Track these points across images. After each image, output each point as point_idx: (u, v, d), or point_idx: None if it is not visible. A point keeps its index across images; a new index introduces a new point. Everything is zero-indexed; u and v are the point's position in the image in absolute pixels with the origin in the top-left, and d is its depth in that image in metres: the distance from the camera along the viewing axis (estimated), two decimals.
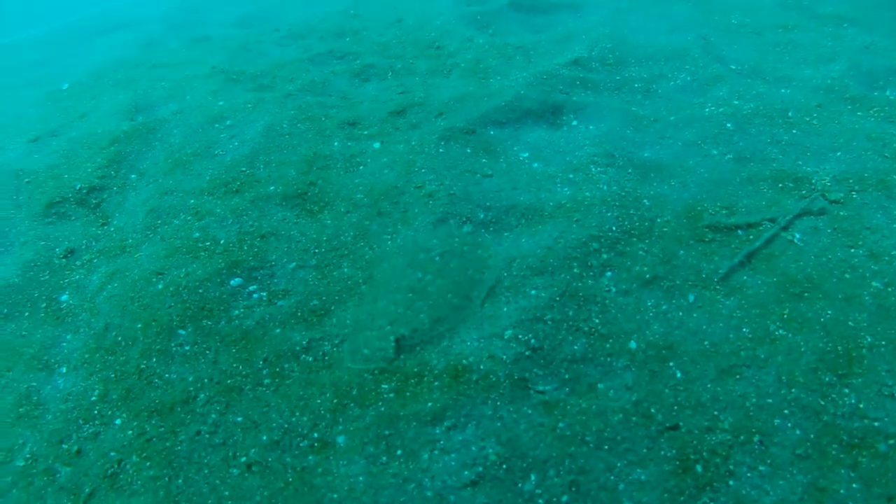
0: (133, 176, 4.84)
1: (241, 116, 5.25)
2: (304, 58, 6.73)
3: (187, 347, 3.25)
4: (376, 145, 4.87)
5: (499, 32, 7.12)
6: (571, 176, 4.32)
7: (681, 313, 3.22)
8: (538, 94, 5.32)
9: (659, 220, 3.86)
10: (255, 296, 3.54)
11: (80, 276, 3.99)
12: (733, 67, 5.97)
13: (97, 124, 5.57)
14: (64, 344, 3.55)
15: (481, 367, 2.84)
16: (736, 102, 5.20)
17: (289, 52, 7.03)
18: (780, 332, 3.09)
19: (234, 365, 3.13)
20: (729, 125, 4.88)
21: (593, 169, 4.35)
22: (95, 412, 3.09)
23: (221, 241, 3.90)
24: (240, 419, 2.87)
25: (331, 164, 4.64)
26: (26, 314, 3.80)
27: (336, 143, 4.89)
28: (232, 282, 3.59)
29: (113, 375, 3.24)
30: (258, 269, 3.69)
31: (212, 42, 7.65)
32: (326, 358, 3.12)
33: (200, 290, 3.53)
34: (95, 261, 4.09)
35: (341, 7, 8.67)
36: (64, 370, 3.39)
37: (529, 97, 5.26)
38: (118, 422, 3.01)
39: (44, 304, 3.83)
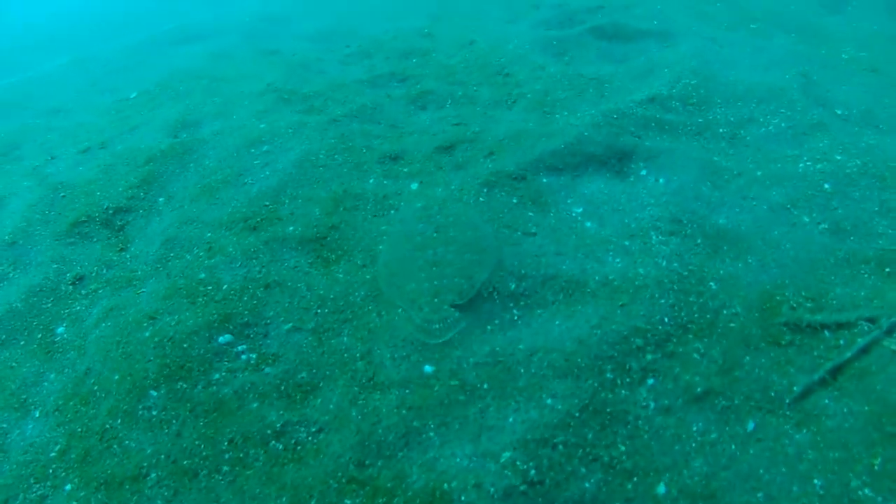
0: (161, 199, 4.64)
1: (280, 142, 4.96)
2: (363, 79, 6.41)
3: (155, 412, 2.91)
4: (414, 186, 4.43)
5: (574, 61, 6.51)
6: (627, 243, 3.69)
7: (734, 447, 2.54)
8: (605, 137, 4.69)
9: (725, 313, 3.17)
10: (242, 357, 3.17)
11: (81, 308, 3.78)
12: (839, 112, 5.06)
13: (142, 139, 5.47)
14: (46, 383, 3.33)
15: (462, 498, 2.30)
16: (838, 157, 4.32)
17: (349, 72, 6.74)
18: (866, 492, 2.35)
19: (197, 442, 2.76)
20: (827, 186, 4.05)
21: (654, 237, 3.71)
22: (50, 472, 2.81)
23: (224, 287, 3.57)
24: None
25: (360, 204, 4.24)
26: (21, 343, 3.62)
27: (371, 181, 4.49)
28: (220, 338, 3.24)
29: (79, 430, 2.96)
30: (252, 326, 3.32)
31: (278, 56, 7.50)
32: (298, 448, 2.69)
33: (185, 345, 3.19)
34: (101, 291, 3.88)
35: (417, 24, 8.34)
36: (37, 414, 3.16)
37: (594, 140, 4.65)
38: (68, 487, 2.72)
39: (39, 335, 3.65)
